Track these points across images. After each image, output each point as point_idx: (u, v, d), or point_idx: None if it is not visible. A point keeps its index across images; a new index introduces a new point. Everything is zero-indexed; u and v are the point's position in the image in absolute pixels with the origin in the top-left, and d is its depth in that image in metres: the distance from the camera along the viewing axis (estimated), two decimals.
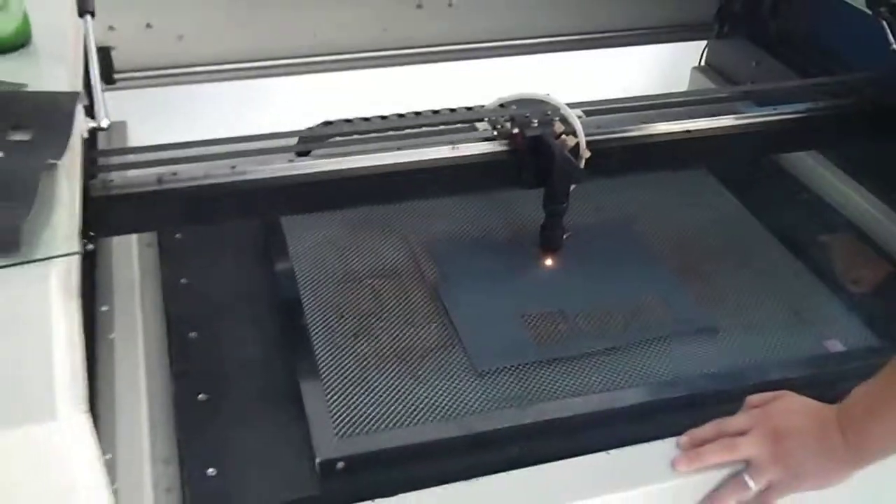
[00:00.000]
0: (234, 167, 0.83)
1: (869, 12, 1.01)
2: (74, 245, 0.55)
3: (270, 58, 1.19)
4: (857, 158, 1.15)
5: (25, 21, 0.80)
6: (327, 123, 0.94)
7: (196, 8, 1.13)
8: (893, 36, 0.99)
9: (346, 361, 0.84)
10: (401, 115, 0.94)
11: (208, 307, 0.91)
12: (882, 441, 0.68)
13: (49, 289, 0.50)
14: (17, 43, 0.80)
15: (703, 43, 1.40)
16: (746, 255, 1.05)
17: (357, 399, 0.79)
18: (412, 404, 0.79)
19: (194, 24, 1.13)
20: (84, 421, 0.49)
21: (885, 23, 0.99)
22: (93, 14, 0.83)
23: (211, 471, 0.72)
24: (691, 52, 1.41)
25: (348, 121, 0.93)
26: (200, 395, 0.80)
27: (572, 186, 0.88)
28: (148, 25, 1.12)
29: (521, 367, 0.85)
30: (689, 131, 0.95)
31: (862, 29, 1.07)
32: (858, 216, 1.12)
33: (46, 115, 0.67)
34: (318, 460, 0.70)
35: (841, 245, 1.09)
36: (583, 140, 0.86)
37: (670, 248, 1.06)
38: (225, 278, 0.97)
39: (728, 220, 1.12)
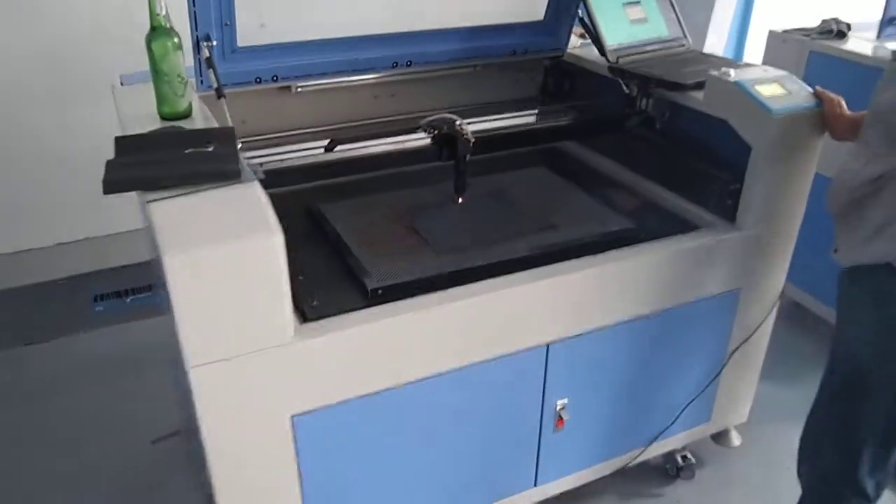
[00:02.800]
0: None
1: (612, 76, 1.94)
2: (255, 178, 1.32)
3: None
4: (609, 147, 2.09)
5: (190, 103, 1.59)
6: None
7: None
8: (626, 88, 1.91)
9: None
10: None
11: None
12: None
13: (256, 189, 1.26)
14: (187, 114, 1.59)
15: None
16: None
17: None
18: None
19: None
20: (280, 240, 1.24)
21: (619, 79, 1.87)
22: (225, 97, 1.61)
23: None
24: None
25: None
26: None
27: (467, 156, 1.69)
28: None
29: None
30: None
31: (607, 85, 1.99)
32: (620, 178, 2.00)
33: (220, 136, 1.44)
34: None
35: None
36: (469, 135, 1.68)
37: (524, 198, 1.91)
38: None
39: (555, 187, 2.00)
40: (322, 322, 1.37)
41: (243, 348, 1.26)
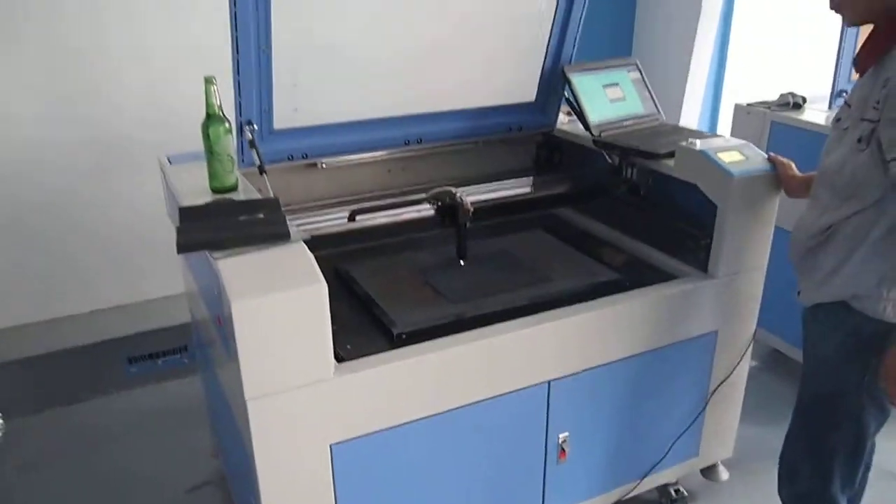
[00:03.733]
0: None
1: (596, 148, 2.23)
2: (301, 239, 1.57)
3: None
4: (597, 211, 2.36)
5: (237, 179, 1.86)
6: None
7: None
8: (609, 158, 2.19)
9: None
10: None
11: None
12: None
13: (303, 249, 1.51)
14: (234, 188, 1.85)
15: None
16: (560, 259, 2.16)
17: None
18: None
19: None
20: (324, 289, 1.48)
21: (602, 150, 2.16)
22: (266, 173, 1.88)
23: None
24: None
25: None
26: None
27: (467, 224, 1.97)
28: None
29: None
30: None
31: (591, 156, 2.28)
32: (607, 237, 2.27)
33: (267, 206, 1.70)
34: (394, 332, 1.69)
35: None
36: (468, 205, 1.96)
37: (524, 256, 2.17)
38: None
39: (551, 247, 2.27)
40: (356, 361, 1.60)
41: (292, 382, 1.49)
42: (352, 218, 2.07)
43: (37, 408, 2.76)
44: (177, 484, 2.40)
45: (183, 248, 1.49)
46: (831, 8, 1.59)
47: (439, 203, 2.02)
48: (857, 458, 1.71)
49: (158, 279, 3.02)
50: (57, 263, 2.92)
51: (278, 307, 1.42)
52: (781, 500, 1.89)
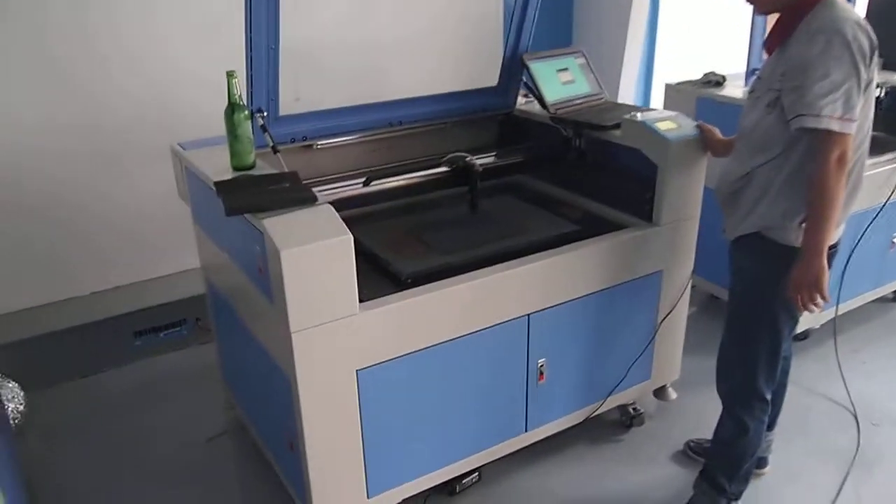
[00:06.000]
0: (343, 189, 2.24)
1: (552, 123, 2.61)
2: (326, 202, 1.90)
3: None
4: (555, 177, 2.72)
5: (255, 158, 2.16)
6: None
7: None
8: (564, 131, 2.57)
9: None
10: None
11: None
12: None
13: (329, 209, 1.84)
14: (252, 166, 2.16)
15: None
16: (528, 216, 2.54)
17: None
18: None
19: None
20: (350, 240, 1.81)
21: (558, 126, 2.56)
22: (279, 152, 2.19)
23: None
24: None
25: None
26: None
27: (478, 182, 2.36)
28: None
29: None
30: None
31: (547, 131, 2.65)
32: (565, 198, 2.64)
33: (290, 178, 2.01)
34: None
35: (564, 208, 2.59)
36: (478, 166, 2.34)
37: (499, 215, 2.52)
38: None
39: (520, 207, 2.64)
40: (375, 301, 1.94)
41: (327, 317, 1.82)
42: (368, 182, 2.43)
43: (52, 381, 3.00)
44: (197, 435, 2.69)
45: (232, 211, 1.80)
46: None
47: (454, 165, 2.41)
48: (775, 356, 2.13)
49: (155, 262, 3.30)
50: (63, 248, 3.15)
51: (316, 255, 1.75)
52: (720, 396, 2.30)
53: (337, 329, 1.85)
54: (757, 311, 2.08)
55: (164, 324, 3.19)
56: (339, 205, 2.34)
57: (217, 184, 1.98)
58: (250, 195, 1.88)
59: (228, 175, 2.11)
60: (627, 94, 4.50)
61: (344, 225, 1.81)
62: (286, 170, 2.16)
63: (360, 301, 1.92)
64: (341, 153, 2.61)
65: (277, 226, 1.76)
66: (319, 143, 2.53)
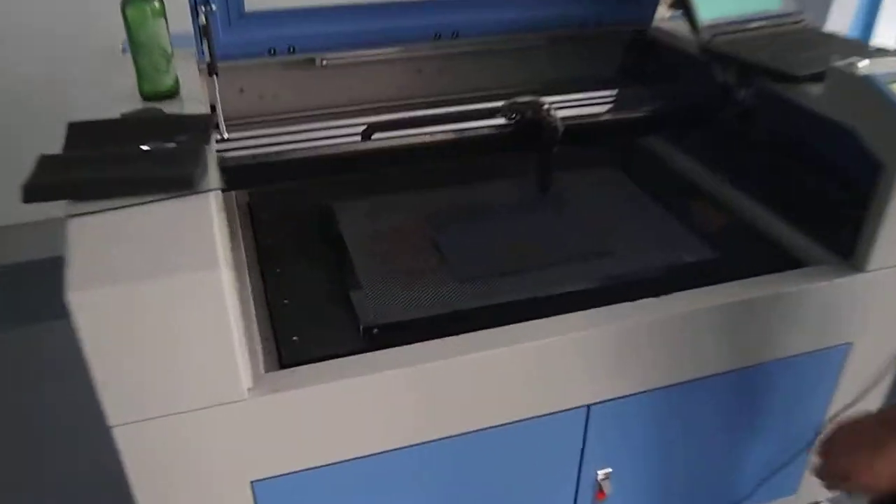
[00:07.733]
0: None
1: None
2: (219, 186, 1.04)
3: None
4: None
5: (176, 80, 1.32)
6: None
7: None
8: (719, 76, 1.58)
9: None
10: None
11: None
12: None
13: (210, 203, 0.98)
14: (172, 93, 1.32)
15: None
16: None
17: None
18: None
19: None
20: (225, 277, 0.96)
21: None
22: (217, 74, 1.35)
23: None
24: None
25: None
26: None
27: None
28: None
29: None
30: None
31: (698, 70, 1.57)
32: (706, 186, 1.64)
33: (196, 126, 1.17)
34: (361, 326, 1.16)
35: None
36: (557, 122, 1.41)
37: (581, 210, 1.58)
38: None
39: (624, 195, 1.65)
40: (294, 371, 1.09)
41: (184, 405, 1.00)
42: (367, 136, 1.50)
43: None
44: None
45: (30, 195, 0.98)
46: None
47: (518, 116, 1.45)
48: None
49: None
50: None
51: (146, 302, 0.91)
52: None
53: (207, 421, 1.03)
54: None
55: None
56: (325, 164, 1.52)
57: (70, 126, 1.15)
58: (87, 163, 1.05)
59: (133, 105, 1.28)
60: (843, 17, 3.13)
61: (217, 245, 0.94)
62: (216, 104, 1.31)
63: (282, 362, 1.09)
64: (361, 76, 1.71)
65: (88, 236, 0.93)
66: (324, 57, 1.65)
